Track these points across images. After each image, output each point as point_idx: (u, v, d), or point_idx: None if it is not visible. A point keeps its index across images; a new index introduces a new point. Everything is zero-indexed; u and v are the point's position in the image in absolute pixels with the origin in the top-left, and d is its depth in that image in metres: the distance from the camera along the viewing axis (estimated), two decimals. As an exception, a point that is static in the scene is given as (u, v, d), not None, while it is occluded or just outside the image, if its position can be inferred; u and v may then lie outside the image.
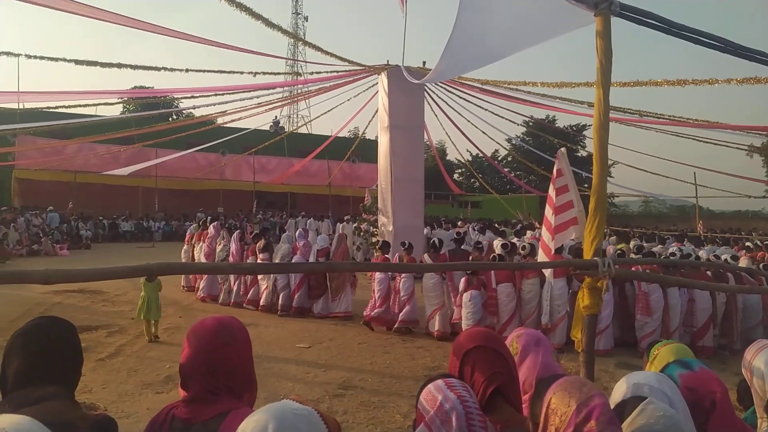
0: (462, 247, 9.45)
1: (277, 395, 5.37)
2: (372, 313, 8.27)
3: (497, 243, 10.31)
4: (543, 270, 7.08)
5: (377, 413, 5.00)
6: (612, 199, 40.04)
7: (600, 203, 3.20)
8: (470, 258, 8.63)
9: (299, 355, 6.93)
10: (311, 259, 9.43)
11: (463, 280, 7.64)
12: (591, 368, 3.13)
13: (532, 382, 1.72)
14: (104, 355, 6.63)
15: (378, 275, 8.37)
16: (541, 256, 4.43)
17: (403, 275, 8.11)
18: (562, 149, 3.98)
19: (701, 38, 3.69)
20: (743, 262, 9.27)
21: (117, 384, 5.66)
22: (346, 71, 14.17)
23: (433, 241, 8.91)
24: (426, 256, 8.54)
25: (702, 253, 10.81)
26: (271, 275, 9.34)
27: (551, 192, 3.95)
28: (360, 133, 28.23)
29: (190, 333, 1.56)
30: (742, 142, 14.62)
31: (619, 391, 1.57)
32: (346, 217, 20.04)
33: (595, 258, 3.08)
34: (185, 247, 12.24)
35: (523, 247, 8.62)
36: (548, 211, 4.00)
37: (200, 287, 10.51)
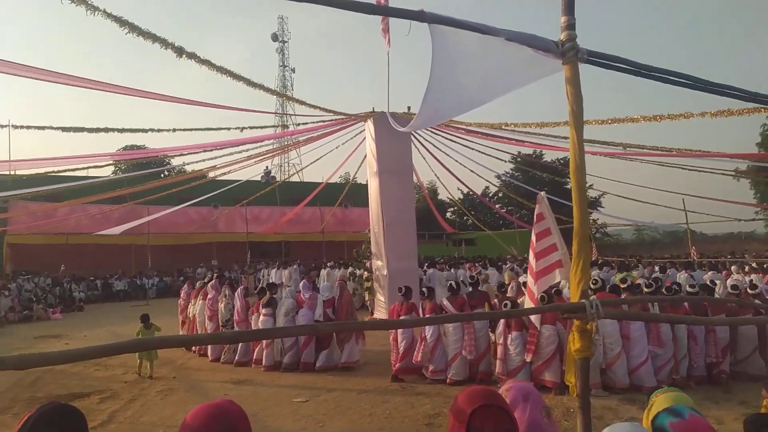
0: (479, 288, 9.24)
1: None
2: (399, 365, 8.02)
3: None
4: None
5: (378, 469, 4.87)
6: (605, 228, 40.25)
7: (583, 245, 3.21)
8: (493, 300, 8.53)
9: (296, 410, 6.78)
10: (318, 311, 9.11)
11: (502, 321, 7.51)
12: (587, 413, 3.07)
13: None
14: (97, 423, 6.47)
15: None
16: (528, 303, 4.41)
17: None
18: (542, 193, 4.02)
19: (670, 77, 3.80)
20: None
21: None
22: (332, 120, 14.42)
23: (451, 284, 8.83)
24: (445, 300, 8.39)
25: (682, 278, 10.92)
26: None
27: (533, 237, 3.97)
28: (350, 178, 28.48)
29: (184, 425, 1.46)
30: (727, 167, 14.88)
31: None
32: (329, 264, 19.90)
33: (583, 300, 3.07)
34: (180, 301, 12.13)
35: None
36: (531, 257, 4.01)
37: (209, 352, 10.14)
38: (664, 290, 8.32)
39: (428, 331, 7.98)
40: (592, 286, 7.68)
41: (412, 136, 15.26)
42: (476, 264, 18.40)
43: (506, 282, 10.85)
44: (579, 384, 3.16)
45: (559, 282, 4.23)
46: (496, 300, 8.57)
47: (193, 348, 10.84)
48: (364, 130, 15.27)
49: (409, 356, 8.04)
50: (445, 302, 8.27)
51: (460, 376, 7.76)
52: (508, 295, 8.83)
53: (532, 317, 6.76)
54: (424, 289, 8.89)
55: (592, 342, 3.20)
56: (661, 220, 25.92)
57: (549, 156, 35.23)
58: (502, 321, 7.50)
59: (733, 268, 15.79)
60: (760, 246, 31.06)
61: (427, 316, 7.92)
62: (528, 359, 7.28)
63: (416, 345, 8.07)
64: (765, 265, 16.43)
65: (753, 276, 13.28)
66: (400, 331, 8.10)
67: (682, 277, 13.20)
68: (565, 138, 11.92)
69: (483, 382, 7.59)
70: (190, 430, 1.44)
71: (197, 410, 1.49)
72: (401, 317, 7.88)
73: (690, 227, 21.59)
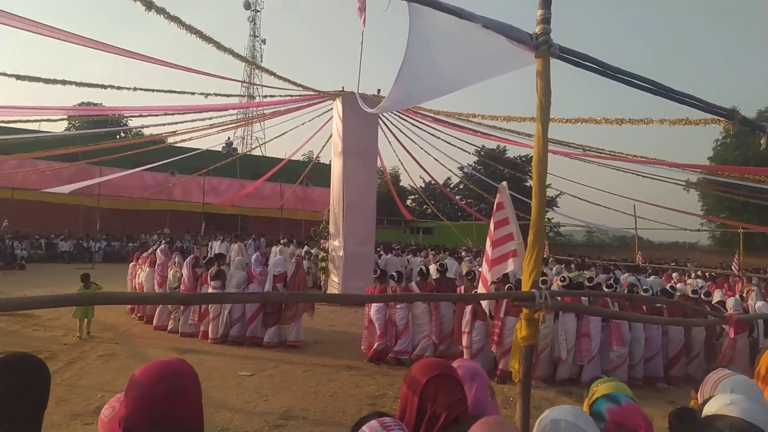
0: (447, 275, 9.30)
1: (214, 427, 5.19)
2: (377, 346, 7.97)
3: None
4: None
5: (319, 444, 4.90)
6: (558, 228, 41.31)
7: (538, 236, 3.29)
8: (461, 289, 8.63)
9: (241, 383, 6.73)
10: (267, 286, 8.94)
11: (468, 309, 7.62)
12: (527, 399, 3.16)
13: (461, 416, 1.73)
14: (31, 384, 6.25)
15: (375, 306, 8.10)
16: (480, 289, 4.51)
17: (398, 305, 7.98)
18: (503, 183, 4.09)
19: (635, 81, 3.90)
20: (717, 295, 9.63)
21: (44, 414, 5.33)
22: (300, 95, 14.22)
23: (421, 268, 8.95)
24: (414, 284, 8.49)
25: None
26: (225, 306, 8.83)
27: (491, 225, 4.04)
28: (314, 156, 28.20)
29: (132, 381, 1.43)
30: (679, 177, 15.44)
31: (538, 427, 1.61)
32: (282, 240, 19.65)
33: (533, 290, 3.15)
34: (132, 264, 11.89)
35: (468, 273, 8.76)
36: (487, 244, 4.08)
37: (154, 318, 9.86)
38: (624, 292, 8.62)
39: (398, 315, 8.03)
40: (560, 283, 7.96)
41: (379, 120, 15.22)
42: (436, 253, 18.54)
43: (463, 272, 11.00)
44: (521, 370, 3.24)
45: (512, 270, 4.33)
46: (461, 288, 8.71)
47: (137, 313, 10.61)
48: (331, 108, 15.13)
49: (385, 338, 8.05)
50: (414, 286, 8.39)
51: (423, 354, 7.88)
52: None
53: (485, 306, 6.89)
54: (422, 267, 8.93)
55: (538, 330, 3.29)
56: (612, 224, 26.85)
57: (512, 152, 35.82)
58: (468, 310, 7.63)
59: (674, 275, 16.56)
60: (702, 256, 32.56)
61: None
62: (493, 349, 7.47)
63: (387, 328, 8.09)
64: (707, 274, 17.27)
65: (698, 281, 13.96)
66: (373, 312, 8.08)
67: (628, 279, 13.68)
68: (530, 135, 12.15)
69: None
70: (138, 386, 1.41)
71: (146, 366, 1.46)
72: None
73: (638, 233, 22.40)
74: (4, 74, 8.34)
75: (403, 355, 8.02)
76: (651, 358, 7.79)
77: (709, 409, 1.77)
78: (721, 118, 4.85)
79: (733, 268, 17.11)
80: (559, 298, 5.25)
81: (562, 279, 8.05)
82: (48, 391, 1.56)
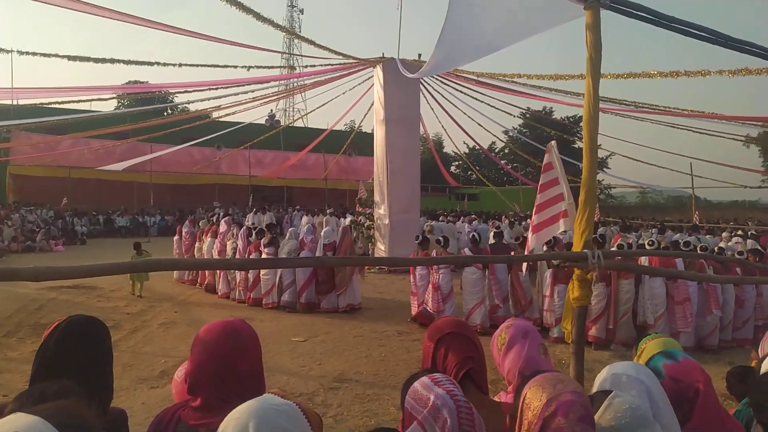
0: (504, 240, 9.27)
1: (270, 390, 5.39)
2: (420, 310, 8.11)
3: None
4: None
5: (371, 406, 5.03)
6: (609, 190, 40.13)
7: (590, 196, 3.20)
8: (512, 253, 8.59)
9: (295, 348, 6.95)
10: (318, 254, 9.21)
11: (549, 273, 7.58)
12: (581, 360, 3.14)
13: (515, 374, 1.74)
14: (100, 351, 6.63)
15: (419, 273, 8.20)
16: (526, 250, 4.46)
17: (442, 270, 7.94)
18: (552, 142, 3.97)
19: (691, 30, 3.69)
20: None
21: None
22: (341, 64, 14.15)
23: (473, 235, 9.00)
24: (467, 250, 8.52)
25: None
26: (277, 272, 9.12)
27: (538, 187, 3.96)
28: (356, 126, 28.18)
29: (197, 339, 1.51)
30: (738, 132, 14.67)
31: (598, 381, 1.59)
32: (329, 210, 19.91)
33: (585, 250, 3.09)
34: (176, 238, 12.51)
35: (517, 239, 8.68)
36: (534, 209, 4.00)
37: (219, 287, 10.35)
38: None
39: (443, 279, 7.98)
40: (648, 246, 7.81)
41: (420, 86, 15.01)
42: (496, 219, 18.31)
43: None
44: (575, 331, 3.21)
45: (565, 231, 4.24)
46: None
47: (200, 281, 11.08)
48: (372, 76, 14.99)
49: (428, 304, 8.10)
50: (467, 251, 8.36)
51: (476, 321, 7.84)
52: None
53: (524, 267, 6.85)
54: (474, 234, 8.94)
55: (591, 291, 3.24)
56: (667, 183, 25.86)
57: (559, 113, 34.78)
58: (549, 273, 7.55)
59: (724, 234, 15.82)
60: (763, 215, 31.04)
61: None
62: None
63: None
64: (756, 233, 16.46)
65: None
66: (417, 278, 8.18)
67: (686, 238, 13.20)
68: (578, 94, 11.74)
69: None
70: (203, 343, 1.49)
71: (210, 326, 1.54)
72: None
73: (695, 192, 21.50)
74: (56, 55, 8.63)
75: None
76: (746, 321, 7.59)
77: (766, 365, 1.72)
78: (787, 65, 4.56)
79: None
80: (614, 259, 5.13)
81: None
82: (110, 349, 1.64)
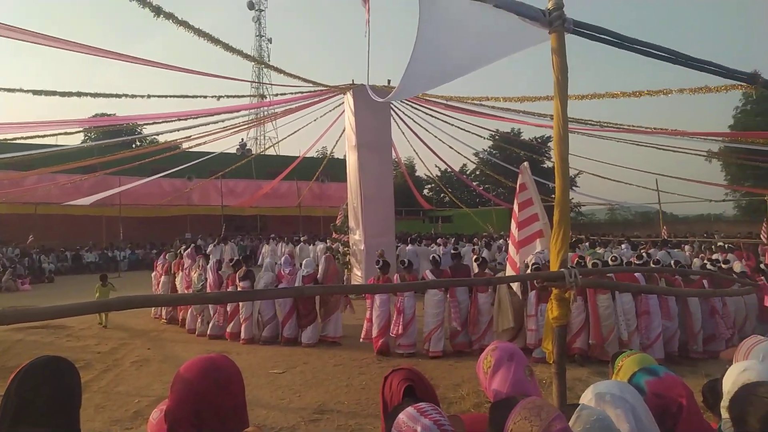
0: (463, 262, 9.28)
1: (251, 424, 5.24)
2: (381, 341, 7.98)
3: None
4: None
5: (354, 436, 4.93)
6: (579, 208, 40.91)
7: (564, 215, 3.25)
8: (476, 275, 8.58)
9: (273, 380, 6.79)
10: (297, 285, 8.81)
11: (533, 294, 7.55)
12: (563, 379, 3.14)
13: (502, 396, 1.72)
14: (69, 393, 6.37)
15: (380, 298, 8.07)
16: (509, 271, 4.47)
17: (406, 294, 7.92)
18: (525, 163, 4.04)
19: (652, 51, 3.81)
20: (737, 267, 9.53)
21: (84, 421, 5.33)
22: (311, 92, 14.21)
23: (434, 257, 8.90)
24: (428, 272, 8.42)
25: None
26: (255, 306, 8.86)
27: (515, 207, 4.00)
28: (328, 152, 28.24)
29: (177, 376, 1.45)
30: (700, 148, 15.15)
31: (583, 401, 1.60)
32: (303, 238, 19.79)
33: (562, 269, 3.12)
34: (154, 273, 12.07)
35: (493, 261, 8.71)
36: (513, 226, 4.04)
37: (186, 321, 10.01)
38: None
39: (407, 303, 7.97)
40: (611, 262, 8.02)
41: (391, 111, 15.16)
42: (476, 240, 18.33)
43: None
44: (556, 351, 3.22)
45: (541, 250, 4.29)
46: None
47: (165, 317, 10.80)
48: (342, 103, 15.10)
49: (389, 331, 8.05)
50: (429, 274, 8.32)
51: (438, 348, 7.84)
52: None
53: (515, 288, 6.87)
54: (435, 256, 8.89)
55: (569, 310, 3.26)
56: (634, 200, 26.48)
57: (527, 134, 35.47)
58: (533, 293, 7.55)
59: (686, 248, 16.27)
60: (729, 227, 31.94)
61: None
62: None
63: (392, 319, 8.09)
64: (727, 246, 16.95)
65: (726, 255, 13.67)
66: (376, 307, 8.10)
67: (658, 255, 13.51)
68: (544, 115, 12.02)
69: (460, 354, 7.79)
70: (183, 381, 1.43)
71: (192, 362, 1.48)
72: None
73: (662, 207, 22.06)
74: (21, 90, 8.46)
75: (409, 349, 7.90)
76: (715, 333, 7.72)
77: (727, 378, 1.75)
78: (743, 83, 4.74)
79: (762, 236, 16.77)
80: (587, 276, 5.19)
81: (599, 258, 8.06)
82: (76, 390, 1.58)
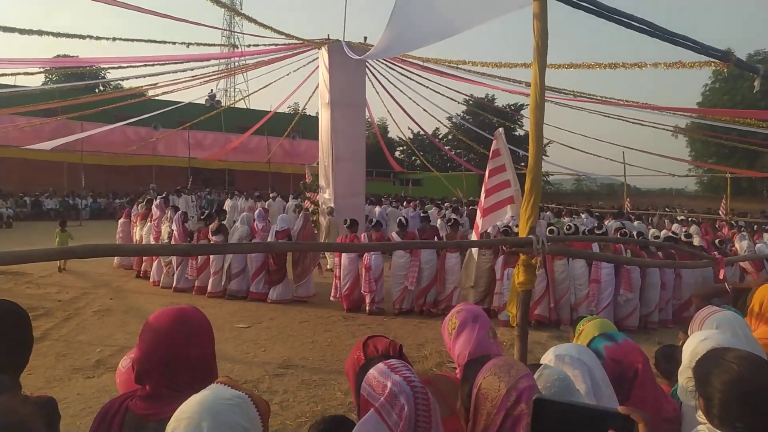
0: (431, 224, 9.36)
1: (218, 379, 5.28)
2: (350, 300, 8.16)
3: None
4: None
5: (318, 391, 5.02)
6: (547, 177, 41.49)
7: (535, 182, 3.28)
8: (444, 237, 8.70)
9: (238, 335, 6.83)
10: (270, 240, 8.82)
11: (501, 258, 7.65)
12: (525, 342, 3.24)
13: (465, 357, 1.76)
14: (29, 340, 6.29)
15: (347, 257, 8.15)
16: (473, 237, 4.54)
17: (373, 253, 8.03)
18: (500, 129, 4.04)
19: (632, 22, 3.81)
20: (696, 241, 9.86)
21: (45, 369, 5.39)
22: (285, 45, 13.80)
23: (400, 219, 8.95)
24: (394, 234, 8.49)
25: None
26: (227, 260, 8.83)
27: (486, 173, 4.03)
28: (300, 108, 27.71)
29: (146, 325, 1.44)
30: (668, 123, 15.43)
31: (544, 362, 1.65)
32: (272, 194, 19.57)
33: (530, 236, 3.17)
34: (122, 221, 11.89)
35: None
36: (482, 192, 4.07)
37: (151, 274, 9.91)
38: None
39: (374, 262, 8.09)
40: (566, 231, 8.10)
41: (366, 69, 14.89)
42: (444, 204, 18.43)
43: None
44: (519, 315, 3.31)
45: (511, 216, 4.35)
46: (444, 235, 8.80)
47: (136, 268, 10.66)
48: (317, 58, 14.74)
49: (357, 289, 8.19)
50: (395, 236, 8.40)
51: (407, 306, 8.09)
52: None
53: (474, 253, 7.00)
54: (402, 218, 8.96)
55: (535, 276, 3.34)
56: (601, 171, 27.00)
57: (501, 101, 35.47)
58: (501, 257, 7.68)
59: (653, 220, 16.76)
60: (689, 202, 32.98)
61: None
62: None
63: (360, 278, 8.21)
64: (690, 219, 17.53)
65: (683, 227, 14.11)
66: (345, 266, 8.16)
67: (614, 225, 13.84)
68: (520, 82, 11.99)
69: (427, 314, 7.97)
70: (152, 330, 1.42)
71: (161, 312, 1.47)
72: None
73: (627, 180, 22.54)
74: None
75: (378, 305, 8.13)
76: (667, 302, 7.99)
77: (687, 346, 1.83)
78: (716, 60, 4.80)
79: (720, 212, 17.36)
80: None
81: (567, 228, 8.30)
82: (26, 336, 1.58)
